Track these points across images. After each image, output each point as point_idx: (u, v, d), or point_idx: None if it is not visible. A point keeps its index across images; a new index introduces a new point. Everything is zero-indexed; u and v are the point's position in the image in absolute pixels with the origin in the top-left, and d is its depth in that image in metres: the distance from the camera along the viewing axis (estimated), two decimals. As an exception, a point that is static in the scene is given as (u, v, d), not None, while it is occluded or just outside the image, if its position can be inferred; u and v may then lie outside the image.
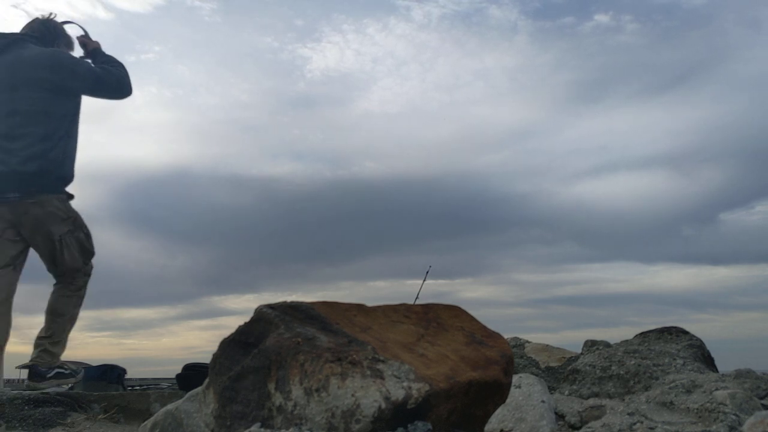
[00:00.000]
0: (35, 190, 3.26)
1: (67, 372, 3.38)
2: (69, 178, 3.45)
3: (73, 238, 3.43)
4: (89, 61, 3.68)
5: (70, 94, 3.45)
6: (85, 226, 3.56)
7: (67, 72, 3.38)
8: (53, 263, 3.42)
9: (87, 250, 3.56)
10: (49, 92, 3.31)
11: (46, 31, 3.61)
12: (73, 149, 3.44)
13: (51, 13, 3.67)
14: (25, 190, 3.25)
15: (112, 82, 3.53)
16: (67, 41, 3.76)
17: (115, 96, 3.59)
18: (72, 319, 3.49)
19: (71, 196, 3.55)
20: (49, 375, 3.30)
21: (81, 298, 3.53)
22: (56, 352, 3.38)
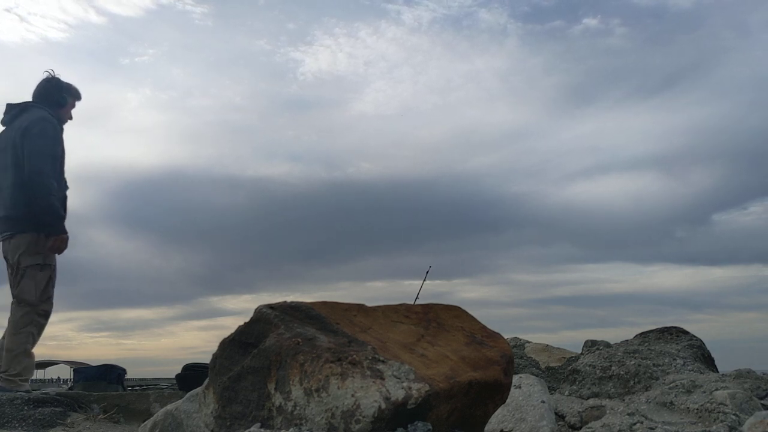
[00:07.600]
0: (15, 231, 3.82)
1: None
2: (37, 219, 3.83)
3: (38, 272, 3.78)
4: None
5: None
6: (54, 271, 3.87)
7: (27, 136, 3.83)
8: (15, 287, 3.85)
9: (43, 291, 3.79)
10: (19, 149, 3.82)
11: (50, 91, 4.07)
12: None
13: (49, 72, 4.14)
14: (8, 230, 3.83)
15: (40, 183, 3.78)
16: (72, 92, 4.18)
17: (32, 184, 3.78)
18: (22, 354, 3.69)
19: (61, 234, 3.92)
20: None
21: (29, 335, 3.73)
22: (15, 380, 3.62)
